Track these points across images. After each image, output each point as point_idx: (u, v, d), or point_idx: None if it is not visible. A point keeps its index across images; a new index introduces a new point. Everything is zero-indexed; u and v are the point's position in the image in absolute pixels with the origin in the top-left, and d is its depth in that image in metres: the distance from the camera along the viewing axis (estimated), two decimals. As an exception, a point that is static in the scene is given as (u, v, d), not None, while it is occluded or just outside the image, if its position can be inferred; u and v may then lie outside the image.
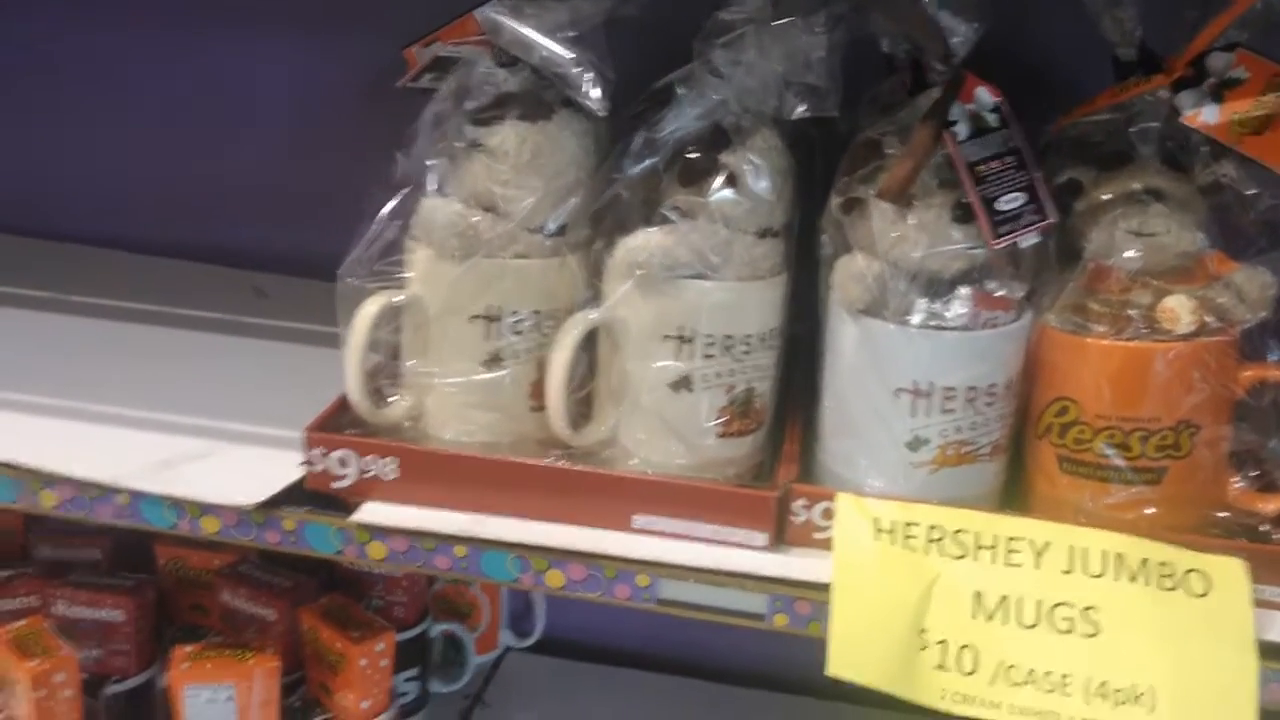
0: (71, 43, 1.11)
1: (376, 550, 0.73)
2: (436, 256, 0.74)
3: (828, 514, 0.71)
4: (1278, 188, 0.69)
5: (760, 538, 0.71)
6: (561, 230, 0.75)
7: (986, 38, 0.70)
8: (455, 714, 1.11)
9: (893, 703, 0.67)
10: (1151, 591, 0.66)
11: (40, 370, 0.91)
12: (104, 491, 0.75)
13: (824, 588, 0.68)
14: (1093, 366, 0.70)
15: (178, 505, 0.74)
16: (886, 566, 0.69)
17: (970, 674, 0.67)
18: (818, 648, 0.67)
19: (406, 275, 0.76)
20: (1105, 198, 0.72)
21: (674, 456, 0.74)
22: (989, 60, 0.70)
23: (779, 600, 0.69)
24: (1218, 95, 0.69)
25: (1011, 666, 0.66)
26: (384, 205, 0.75)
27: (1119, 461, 0.70)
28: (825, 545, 0.70)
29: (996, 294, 0.71)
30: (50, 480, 0.75)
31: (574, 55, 0.71)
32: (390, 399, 0.78)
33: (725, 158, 0.72)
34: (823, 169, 0.75)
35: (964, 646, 0.67)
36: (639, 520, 0.72)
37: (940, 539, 0.69)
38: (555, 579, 0.72)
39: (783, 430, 0.78)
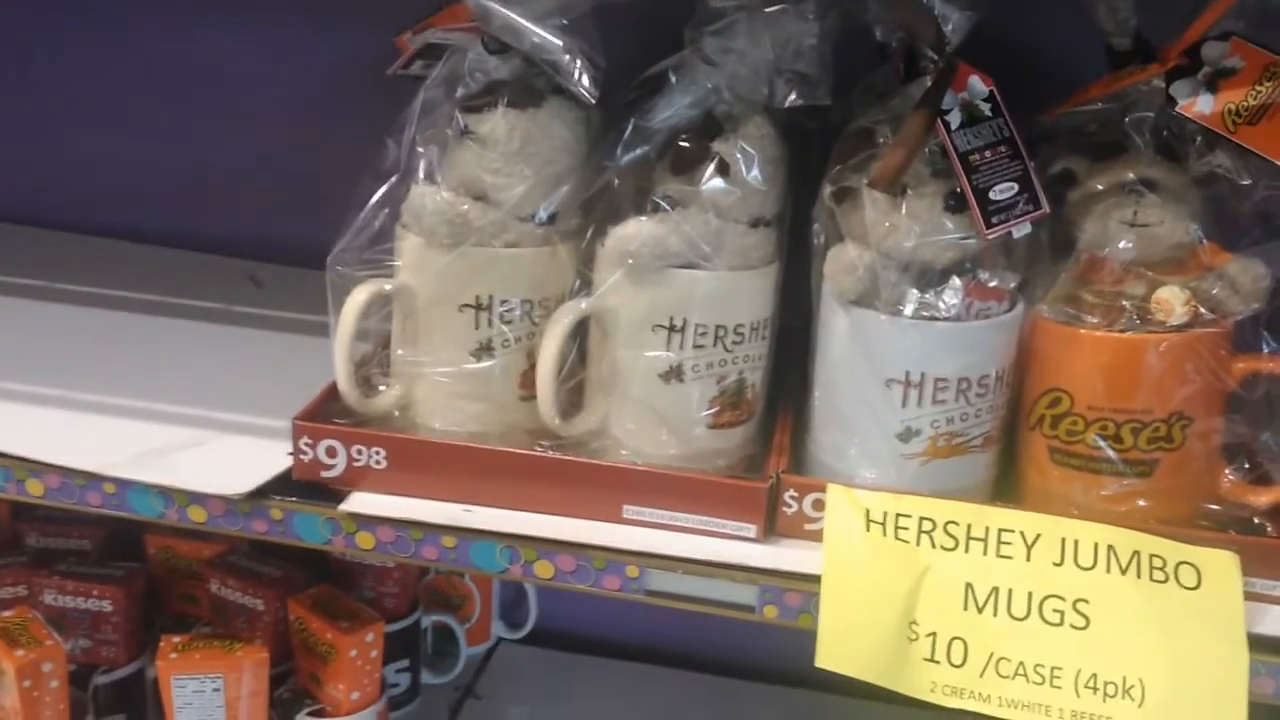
0: (66, 34, 1.10)
1: (365, 540, 0.73)
2: (426, 245, 0.73)
3: (818, 505, 0.71)
4: (1272, 178, 0.69)
5: (750, 529, 0.71)
6: (552, 219, 0.74)
7: (980, 26, 0.69)
8: (447, 705, 1.11)
9: (886, 695, 0.67)
10: (1142, 584, 0.66)
11: (33, 359, 0.91)
12: (91, 480, 0.74)
13: (814, 579, 0.68)
14: (1085, 358, 0.70)
15: (165, 494, 0.74)
16: (877, 558, 0.68)
17: (960, 666, 0.66)
18: (812, 640, 0.67)
19: (396, 263, 0.75)
20: (1099, 188, 0.72)
21: (664, 447, 0.74)
22: (982, 48, 0.70)
23: (769, 592, 0.69)
24: (1212, 85, 0.68)
25: (1002, 659, 0.66)
26: (374, 193, 0.75)
27: (1111, 453, 0.70)
28: (816, 536, 0.70)
29: (989, 284, 0.70)
30: (37, 469, 0.75)
31: (564, 42, 0.70)
32: (380, 388, 0.78)
33: (717, 146, 0.71)
34: (818, 159, 0.75)
35: (954, 638, 0.67)
36: (629, 511, 0.72)
37: (931, 530, 0.69)
38: (544, 570, 0.71)
39: (774, 421, 0.78)
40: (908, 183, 0.69)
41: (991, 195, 0.68)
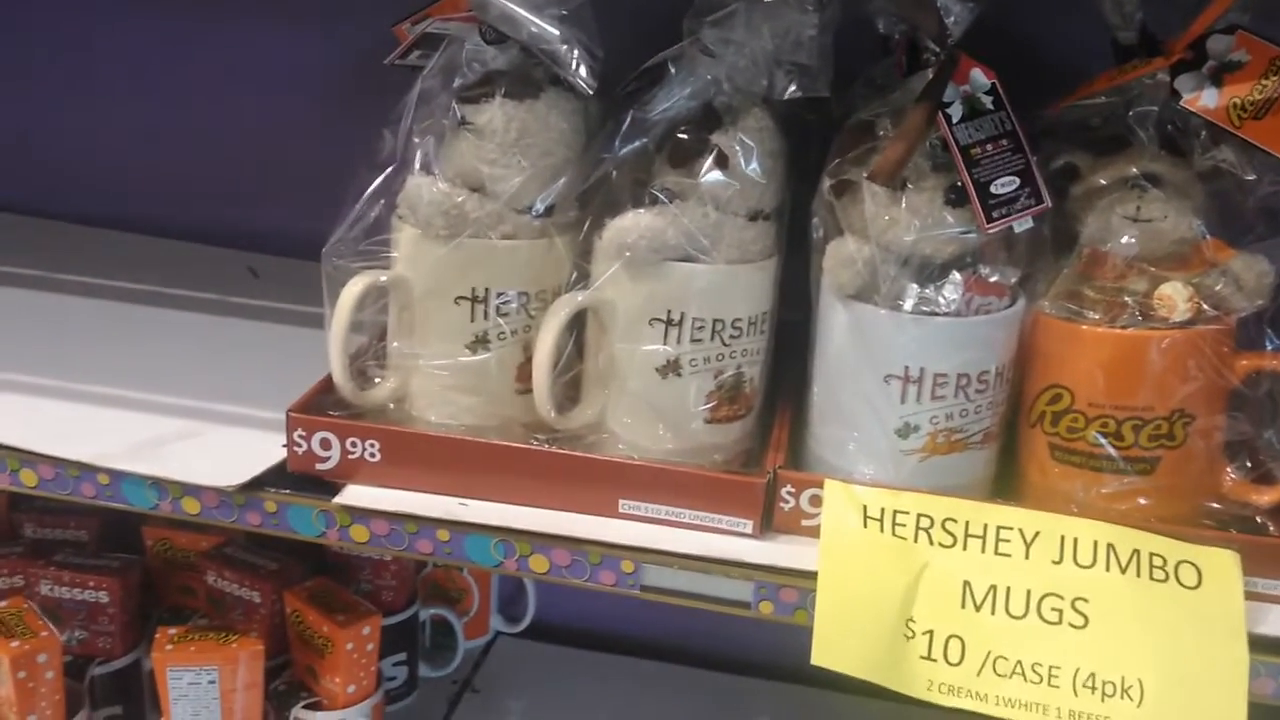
0: (63, 25, 1.10)
1: (359, 533, 0.72)
2: (422, 236, 0.73)
3: (815, 501, 0.70)
4: (1277, 173, 0.68)
5: (747, 524, 0.71)
6: (549, 210, 0.74)
7: (982, 18, 0.69)
8: (445, 699, 1.11)
9: (885, 691, 0.66)
10: (1142, 583, 0.66)
11: (29, 349, 0.91)
12: (85, 471, 0.74)
13: (811, 575, 0.67)
14: (1086, 354, 0.69)
15: (159, 485, 0.73)
16: (874, 555, 0.68)
17: (957, 664, 0.66)
18: (810, 636, 0.66)
19: (392, 255, 0.75)
20: (1102, 182, 0.71)
21: (661, 441, 0.73)
22: (985, 41, 0.69)
23: (764, 588, 0.69)
24: (1217, 79, 0.68)
25: (999, 657, 0.66)
26: (370, 184, 0.74)
27: (1111, 451, 0.69)
28: (813, 533, 0.69)
29: (989, 279, 0.70)
30: (31, 459, 0.75)
31: (562, 32, 0.70)
32: (376, 380, 0.77)
33: (716, 138, 0.71)
34: (818, 152, 0.74)
35: (951, 636, 0.66)
36: (625, 505, 0.72)
37: (929, 527, 0.68)
38: (539, 564, 0.71)
39: (773, 416, 0.77)
40: (908, 176, 0.68)
41: (993, 189, 0.68)
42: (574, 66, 0.70)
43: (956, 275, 0.69)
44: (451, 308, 0.74)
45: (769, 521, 0.71)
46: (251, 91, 1.07)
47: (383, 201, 0.74)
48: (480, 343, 0.74)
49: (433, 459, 0.73)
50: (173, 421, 0.80)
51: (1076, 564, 0.66)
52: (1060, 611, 0.66)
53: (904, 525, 0.68)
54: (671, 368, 0.72)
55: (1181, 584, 0.65)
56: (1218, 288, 0.69)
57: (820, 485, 0.70)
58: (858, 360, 0.71)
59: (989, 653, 0.66)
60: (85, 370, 0.86)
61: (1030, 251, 0.71)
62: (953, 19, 0.68)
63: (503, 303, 0.74)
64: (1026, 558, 0.67)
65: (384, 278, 0.74)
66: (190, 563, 1.01)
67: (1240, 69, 0.67)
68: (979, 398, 0.70)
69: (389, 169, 0.74)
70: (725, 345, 0.72)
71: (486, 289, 0.73)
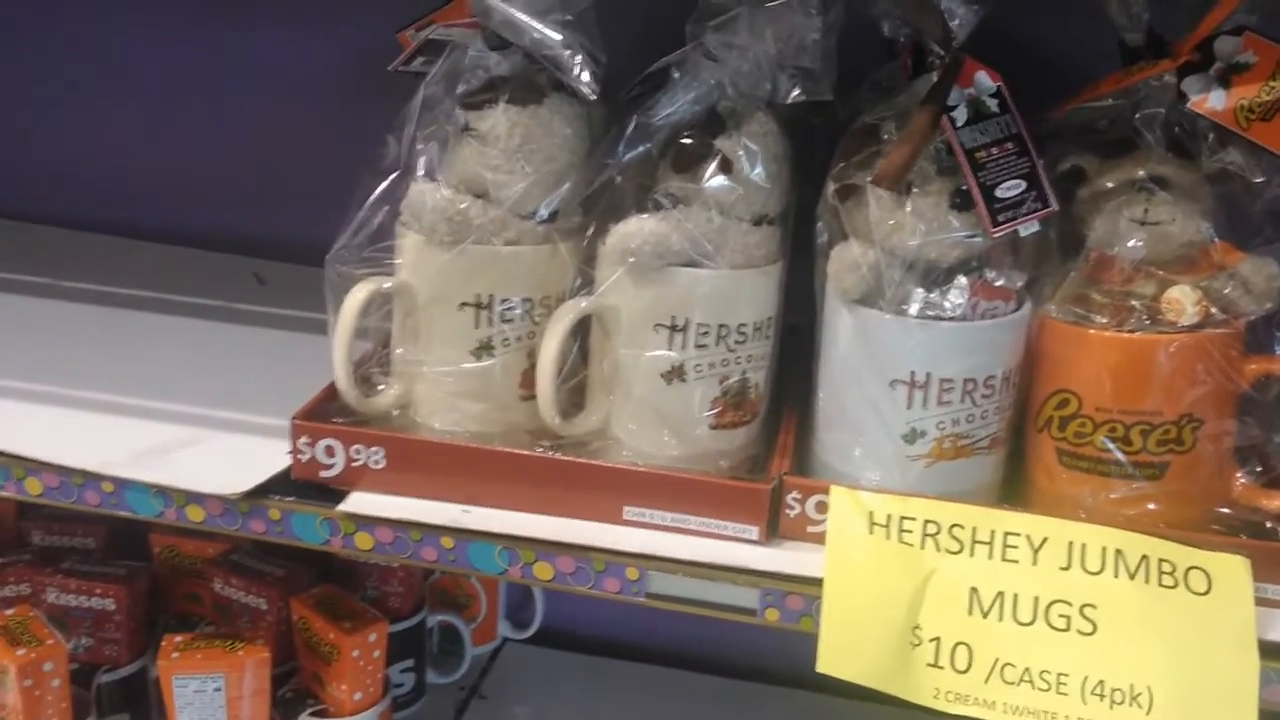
0: (67, 29, 1.10)
1: (363, 541, 0.72)
2: (426, 242, 0.73)
3: (821, 507, 0.70)
4: (1286, 175, 0.68)
5: (753, 531, 0.70)
6: (553, 216, 0.73)
7: (988, 20, 0.68)
8: (452, 706, 1.11)
9: (892, 698, 0.66)
10: (1151, 589, 0.65)
11: (34, 356, 0.91)
12: (89, 479, 0.74)
13: (817, 582, 0.67)
14: (1094, 358, 0.69)
15: (163, 493, 0.73)
16: (880, 561, 0.67)
17: (965, 672, 0.65)
18: (816, 642, 0.66)
19: (396, 261, 0.75)
20: (1109, 185, 0.70)
21: (666, 448, 0.73)
22: (990, 43, 0.69)
23: (770, 595, 0.68)
24: (1225, 80, 0.67)
25: (1007, 665, 0.65)
26: (374, 191, 0.74)
27: (1120, 456, 0.69)
28: (819, 539, 0.69)
29: (995, 283, 0.69)
30: (35, 467, 0.74)
31: (564, 38, 0.70)
32: (380, 387, 0.77)
33: (720, 143, 0.70)
34: (823, 156, 0.74)
35: (958, 644, 0.66)
36: (630, 512, 0.71)
37: (936, 534, 0.68)
38: (544, 571, 0.70)
39: (778, 422, 0.77)
40: (913, 180, 0.68)
41: (998, 193, 0.67)
42: (577, 72, 0.70)
43: (962, 279, 0.69)
44: (455, 314, 0.73)
45: (775, 528, 0.71)
46: (257, 96, 1.08)
47: (386, 208, 0.74)
48: (484, 349, 0.74)
49: (437, 466, 0.72)
50: (177, 429, 0.80)
51: (1085, 570, 0.66)
52: (1068, 618, 0.65)
53: (910, 531, 0.68)
54: (676, 373, 0.72)
55: (1191, 590, 0.65)
56: (1226, 291, 0.68)
57: (826, 491, 0.69)
58: (863, 365, 0.70)
59: (996, 660, 0.65)
60: (90, 377, 0.86)
61: (1036, 255, 0.70)
62: (957, 21, 0.68)
63: (507, 309, 0.73)
64: (1034, 564, 0.67)
65: (388, 284, 0.74)
66: (197, 570, 1.01)
67: (1248, 70, 0.67)
68: (985, 403, 0.70)
69: (393, 175, 0.74)
70: (730, 351, 0.72)
71: (491, 295, 0.73)
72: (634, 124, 0.71)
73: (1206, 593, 0.65)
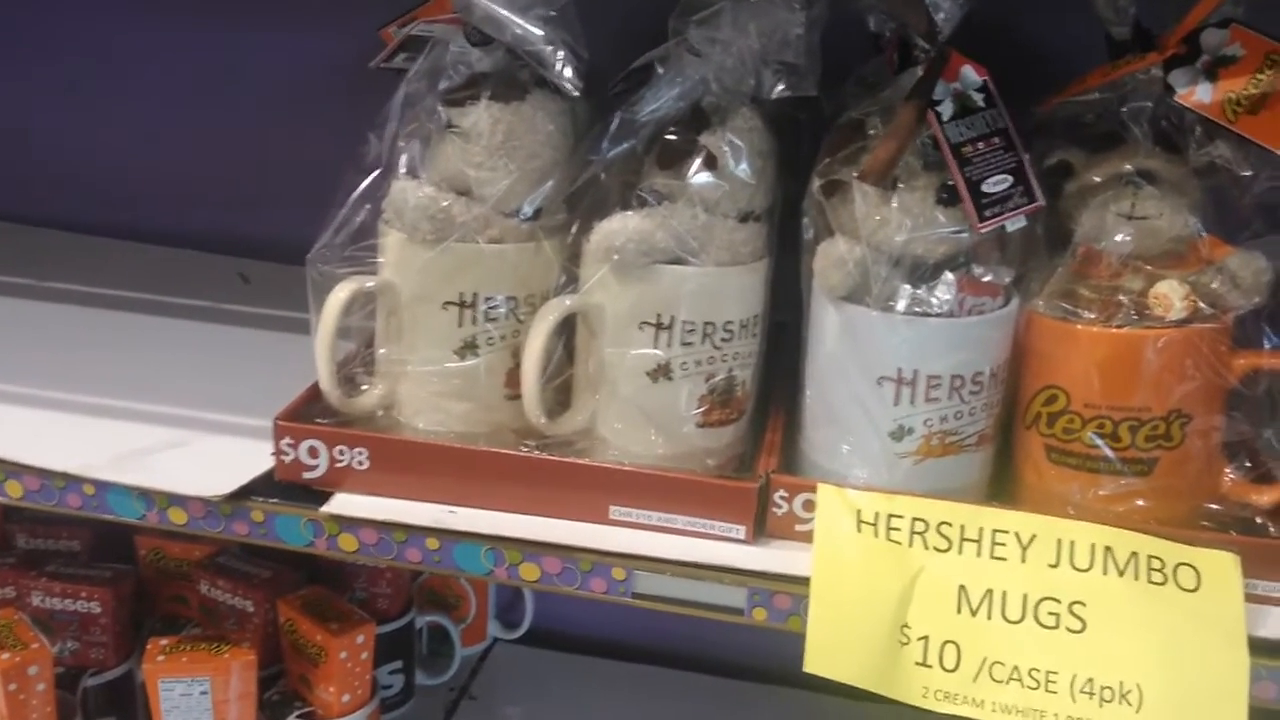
0: (51, 31, 1.09)
1: (347, 542, 0.71)
2: (408, 240, 0.72)
3: (809, 506, 0.69)
4: (1273, 169, 0.67)
5: (740, 530, 0.70)
6: (537, 214, 0.73)
7: (973, 14, 0.68)
8: (442, 707, 1.10)
9: (883, 696, 0.65)
10: (1140, 586, 0.65)
11: (15, 357, 0.90)
12: (71, 482, 0.73)
13: (804, 581, 0.66)
14: (1082, 354, 0.68)
15: (145, 496, 0.72)
16: (868, 560, 0.67)
17: (953, 670, 0.65)
18: (805, 641, 0.65)
19: (379, 260, 0.74)
20: (1096, 180, 0.70)
21: (652, 446, 0.73)
22: (976, 37, 0.68)
23: (758, 594, 0.68)
24: (1212, 73, 0.67)
25: (996, 663, 0.65)
26: (356, 189, 0.73)
27: (1108, 452, 0.68)
28: (807, 538, 0.68)
29: (983, 279, 0.69)
30: (16, 470, 0.74)
31: (546, 33, 0.69)
32: (363, 387, 0.77)
33: (704, 139, 0.70)
34: (809, 152, 0.73)
35: (947, 642, 0.65)
36: (616, 512, 0.71)
37: (924, 531, 0.67)
38: (530, 572, 0.70)
39: (765, 420, 0.77)
40: (899, 175, 0.68)
41: (985, 188, 0.67)
42: (559, 68, 0.69)
43: (949, 275, 0.68)
44: (439, 313, 0.73)
45: (762, 527, 0.70)
46: (241, 95, 1.07)
47: (368, 206, 0.73)
48: (469, 348, 0.73)
49: (421, 466, 0.72)
50: (160, 431, 0.79)
51: (1074, 567, 0.66)
52: (1057, 615, 0.65)
53: (898, 530, 0.67)
54: (662, 372, 0.71)
55: (1180, 587, 0.64)
56: (1214, 286, 0.68)
57: (813, 490, 0.69)
58: (850, 362, 0.70)
59: (985, 658, 0.65)
60: (73, 379, 0.86)
61: (1024, 250, 0.70)
62: (942, 16, 0.67)
63: (491, 307, 0.73)
64: (1023, 561, 0.66)
65: (370, 283, 0.73)
66: (183, 572, 1.00)
67: (1235, 63, 0.66)
68: (973, 399, 0.69)
69: (374, 173, 0.73)
70: (716, 348, 0.71)
71: (474, 294, 0.73)
72: (618, 120, 0.71)
73: (1196, 589, 0.64)
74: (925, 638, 0.65)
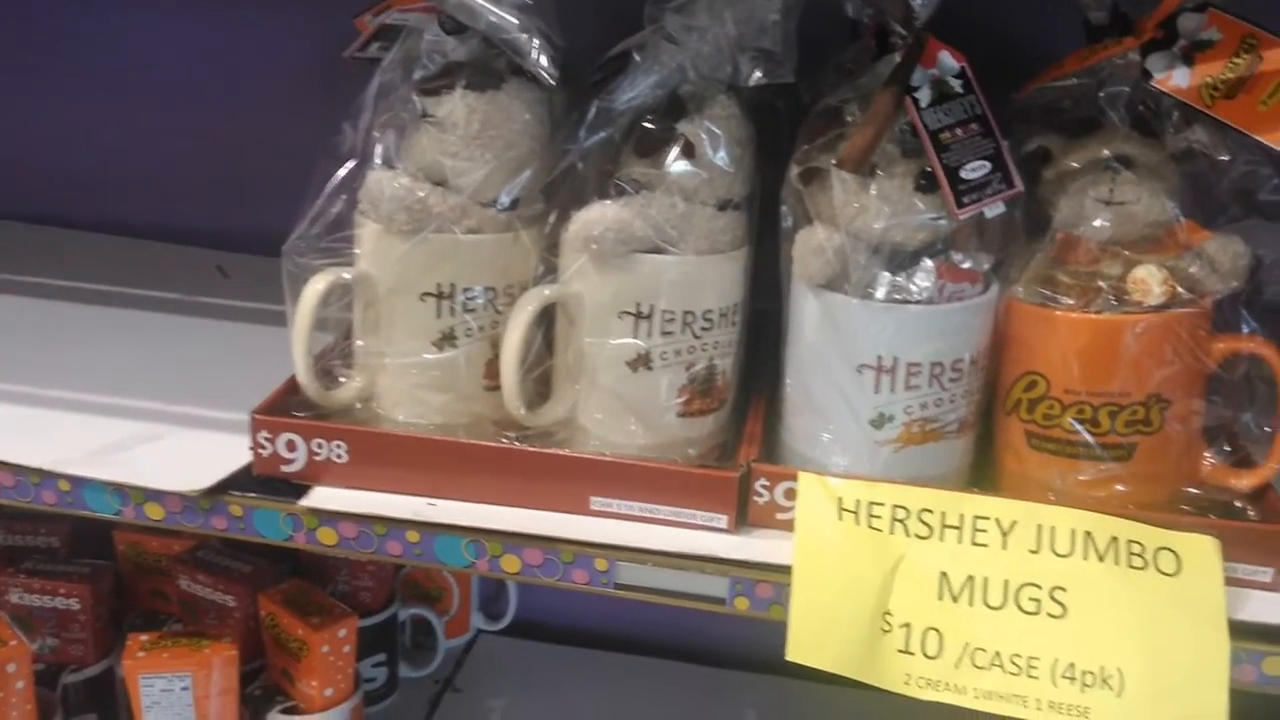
0: (23, 23, 1.08)
1: (327, 536, 0.71)
2: (384, 231, 0.71)
3: (790, 494, 0.69)
4: (1251, 153, 0.67)
5: (721, 519, 0.70)
6: (514, 204, 0.72)
7: (950, 0, 0.67)
8: (426, 699, 1.10)
9: (864, 684, 0.65)
10: (1121, 570, 0.65)
11: (-6, 353, 0.89)
12: (46, 478, 0.72)
13: (786, 570, 0.66)
14: (1061, 340, 0.68)
15: (121, 491, 0.72)
16: (850, 548, 0.67)
17: (935, 658, 0.65)
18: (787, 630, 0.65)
19: (355, 251, 0.73)
20: (1074, 165, 0.70)
21: (633, 437, 0.72)
22: (953, 23, 0.68)
23: (740, 584, 0.68)
24: (1189, 57, 0.67)
25: (978, 649, 0.65)
26: (330, 180, 0.73)
27: (1088, 437, 0.68)
28: (788, 526, 0.68)
29: (962, 266, 0.69)
30: (-10, 467, 0.73)
31: (521, 21, 0.68)
32: (341, 380, 0.76)
33: (682, 127, 0.69)
34: (787, 140, 0.73)
35: (929, 629, 0.65)
36: (597, 502, 0.70)
37: (905, 519, 0.67)
38: (511, 564, 0.70)
39: (746, 409, 0.76)
40: (877, 162, 0.67)
41: (963, 174, 0.67)
42: (535, 56, 0.69)
43: (928, 262, 0.68)
44: (417, 304, 0.72)
45: (744, 516, 0.70)
46: (216, 87, 1.06)
47: (344, 197, 0.73)
48: (447, 339, 0.73)
49: (401, 459, 0.71)
50: (137, 425, 0.79)
51: (1054, 553, 0.66)
52: (1038, 601, 0.65)
53: (879, 517, 0.67)
54: (642, 361, 0.71)
55: (1161, 571, 0.64)
56: (1192, 270, 0.68)
57: (795, 478, 0.69)
58: (830, 351, 0.70)
59: (967, 645, 0.65)
60: (47, 373, 0.85)
61: (1003, 237, 0.70)
62: (920, 2, 0.67)
63: (469, 298, 0.72)
64: (1004, 547, 0.66)
65: (347, 275, 0.73)
66: (162, 567, 1.00)
67: (1212, 47, 0.66)
68: (953, 386, 0.69)
69: (350, 164, 0.72)
70: (696, 338, 0.71)
71: (452, 284, 0.72)
72: (595, 109, 0.70)
73: (1176, 573, 0.64)
74: (907, 625, 0.65)
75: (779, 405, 0.75)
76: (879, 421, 0.69)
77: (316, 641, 0.89)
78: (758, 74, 0.68)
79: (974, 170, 0.67)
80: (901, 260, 0.68)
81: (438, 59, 0.71)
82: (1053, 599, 0.65)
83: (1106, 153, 0.69)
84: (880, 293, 0.68)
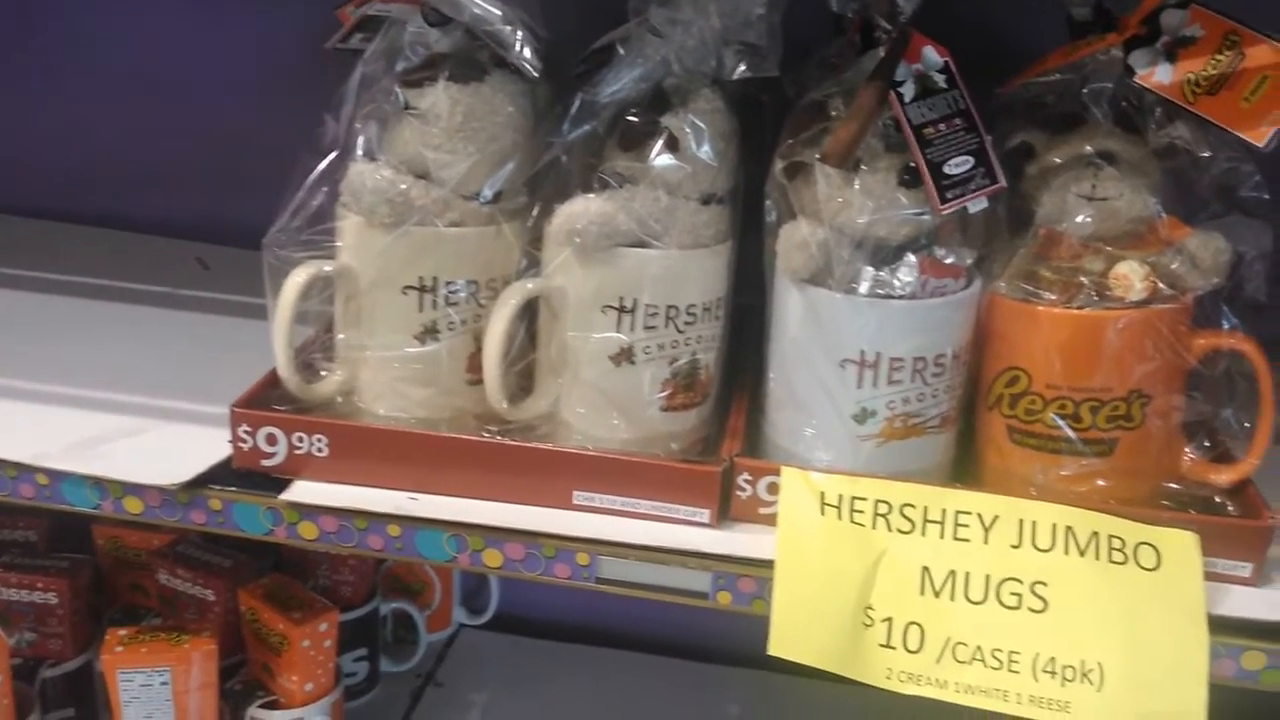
0: (2, 16, 1.07)
1: (307, 530, 0.71)
2: (366, 224, 0.71)
3: (773, 489, 0.69)
4: (1232, 150, 0.67)
5: (704, 514, 0.70)
6: (497, 197, 0.72)
7: (934, -6, 0.67)
8: (408, 693, 1.10)
9: (846, 678, 0.65)
10: (1101, 565, 0.65)
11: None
12: (23, 471, 0.72)
13: (768, 564, 0.66)
14: (1043, 335, 0.69)
15: (99, 485, 0.71)
16: (832, 542, 0.67)
17: (917, 652, 0.65)
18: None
19: (337, 244, 0.73)
20: (1057, 161, 0.70)
21: (616, 431, 0.72)
22: (937, 18, 0.68)
23: (722, 578, 0.68)
24: (1171, 54, 0.67)
25: (959, 644, 0.65)
26: (312, 172, 0.72)
27: (1069, 432, 0.69)
28: (771, 521, 0.68)
29: (945, 261, 0.69)
30: (-34, 460, 0.72)
31: (504, 13, 0.68)
32: (323, 373, 0.76)
33: (666, 121, 0.69)
34: (772, 134, 0.73)
35: (911, 623, 0.65)
36: (579, 497, 0.70)
37: (887, 513, 0.67)
38: (493, 558, 0.69)
39: (729, 403, 0.76)
40: (861, 157, 0.67)
41: (946, 169, 0.67)
42: (518, 48, 0.68)
43: (911, 257, 0.68)
44: (399, 298, 0.72)
45: (726, 510, 0.70)
46: (197, 78, 1.05)
47: (326, 189, 0.72)
48: (429, 333, 0.73)
49: (382, 453, 0.71)
50: (115, 419, 0.78)
51: (1035, 548, 0.66)
52: (1020, 596, 0.65)
53: (862, 512, 0.67)
54: (625, 355, 0.71)
55: (1141, 566, 0.65)
56: (1174, 266, 0.68)
57: (777, 473, 0.69)
58: (813, 345, 0.70)
59: (948, 639, 0.65)
60: (28, 366, 0.84)
61: (986, 232, 0.70)
62: (904, -4, 0.67)
63: (451, 292, 0.72)
64: (985, 542, 0.66)
65: (329, 267, 0.72)
66: (141, 561, 0.99)
67: (1194, 44, 0.66)
68: (936, 381, 0.69)
69: (330, 156, 0.72)
70: (680, 332, 0.71)
71: (434, 278, 0.72)
72: (579, 102, 0.70)
73: (1156, 568, 0.65)
74: (889, 619, 0.65)
75: (762, 400, 0.75)
76: (861, 416, 0.69)
77: (297, 636, 0.89)
78: (742, 68, 0.68)
79: (957, 165, 0.67)
80: (885, 255, 0.68)
81: (421, 51, 0.71)
82: (1034, 594, 0.65)
83: (1089, 149, 0.69)
84: (863, 288, 0.68)
